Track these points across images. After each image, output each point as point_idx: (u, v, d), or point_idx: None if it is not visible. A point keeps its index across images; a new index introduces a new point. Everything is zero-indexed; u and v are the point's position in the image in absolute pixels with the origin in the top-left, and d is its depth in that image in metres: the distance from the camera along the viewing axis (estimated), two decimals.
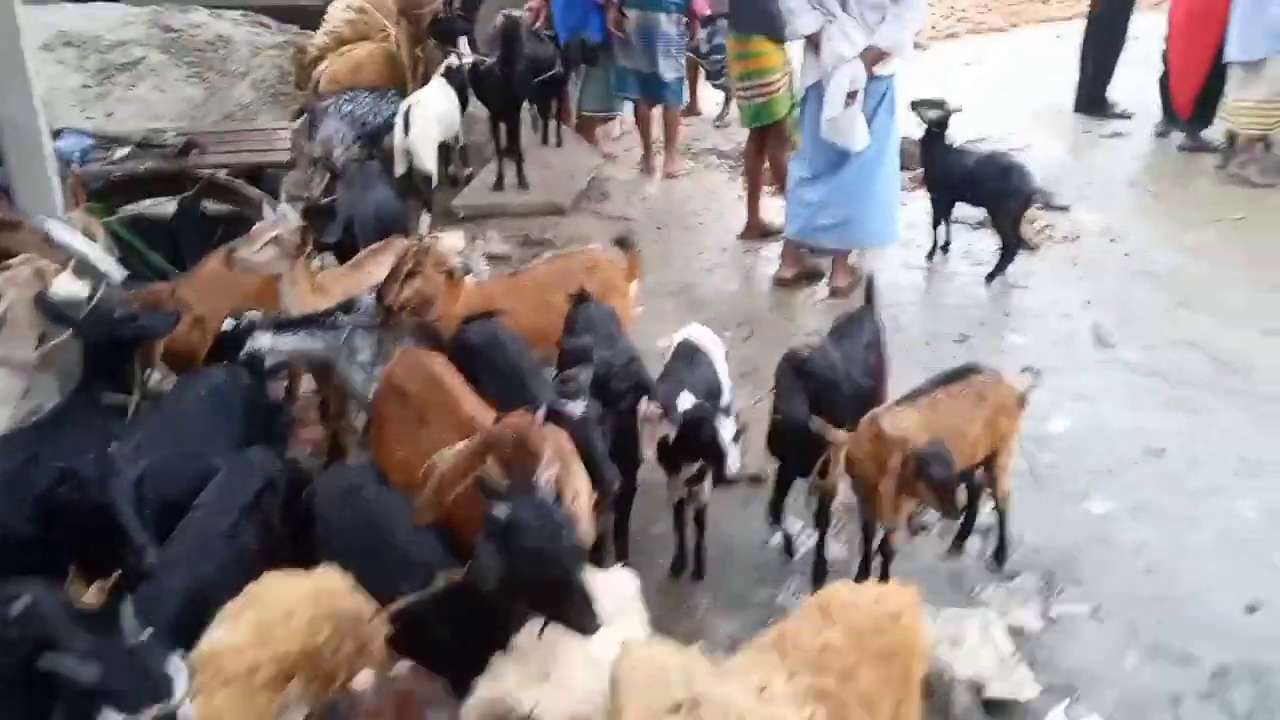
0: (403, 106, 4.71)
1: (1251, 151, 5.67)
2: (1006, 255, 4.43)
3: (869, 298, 3.02)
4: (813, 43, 4.02)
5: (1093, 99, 7.29)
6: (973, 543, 2.86)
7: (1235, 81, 5.60)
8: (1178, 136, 6.41)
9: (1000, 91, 8.25)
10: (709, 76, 7.10)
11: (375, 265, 3.15)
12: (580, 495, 1.87)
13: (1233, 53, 5.55)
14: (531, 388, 2.36)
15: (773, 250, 4.83)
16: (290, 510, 2.17)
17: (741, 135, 5.26)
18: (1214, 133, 6.03)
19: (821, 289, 4.53)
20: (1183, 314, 4.12)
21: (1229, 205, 5.34)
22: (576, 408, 2.07)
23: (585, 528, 1.81)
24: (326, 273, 3.32)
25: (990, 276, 4.47)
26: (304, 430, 3.24)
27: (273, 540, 2.11)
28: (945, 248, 4.74)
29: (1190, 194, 5.62)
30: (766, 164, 5.01)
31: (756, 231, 5.09)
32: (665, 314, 4.23)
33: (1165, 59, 6.45)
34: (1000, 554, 2.79)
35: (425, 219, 4.79)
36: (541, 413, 2.01)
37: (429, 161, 4.71)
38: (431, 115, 4.74)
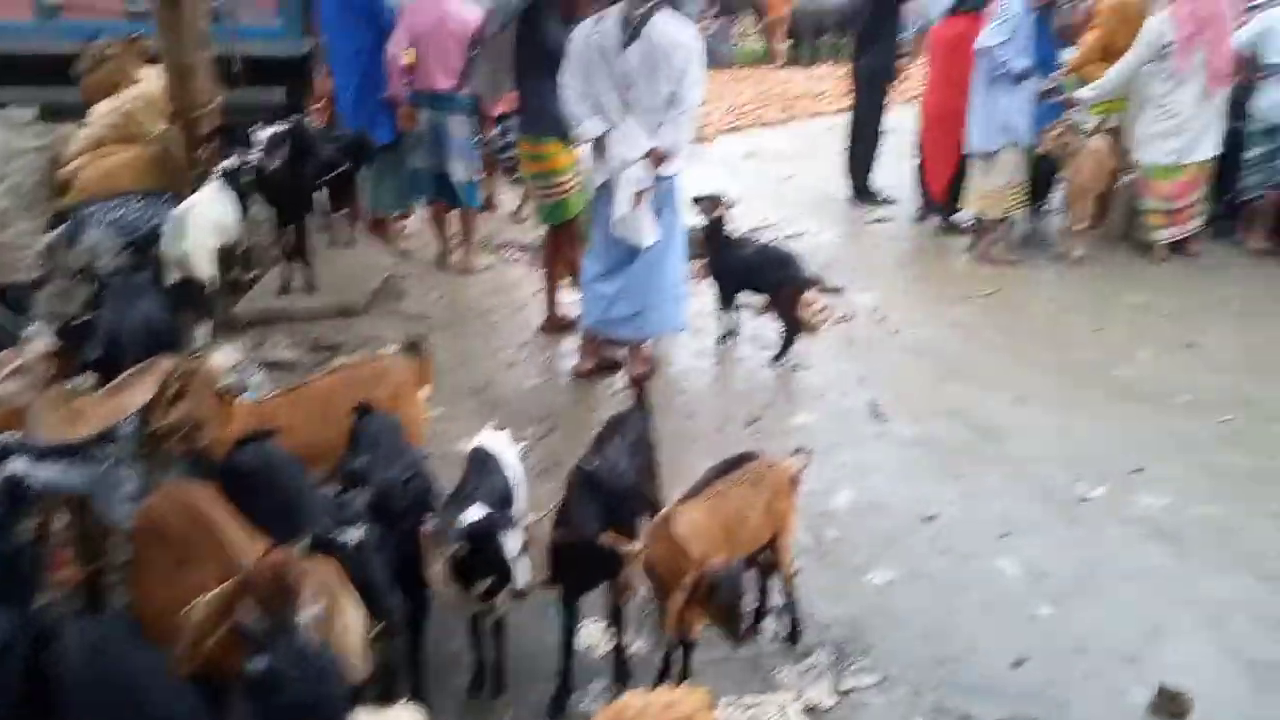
0: (174, 212, 4.50)
1: (995, 233, 6.33)
2: (788, 339, 4.70)
3: (638, 398, 3.10)
4: (598, 146, 4.17)
5: (860, 187, 7.94)
6: (769, 624, 2.95)
7: (976, 171, 6.25)
8: (935, 220, 7.07)
9: (779, 181, 8.85)
10: (505, 172, 7.22)
11: (139, 388, 2.95)
12: (351, 630, 1.79)
13: (972, 145, 6.20)
14: (307, 516, 2.26)
15: (572, 343, 4.91)
16: (31, 672, 1.96)
17: (540, 227, 5.36)
18: (965, 215, 6.67)
19: (620, 379, 4.62)
20: (946, 386, 4.48)
21: (981, 282, 5.90)
22: (352, 535, 2.00)
23: (356, 665, 1.73)
24: (84, 398, 3.07)
25: (775, 359, 4.72)
26: (59, 571, 2.95)
27: (9, 708, 1.89)
28: (733, 333, 4.97)
29: (948, 273, 6.18)
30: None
31: (555, 325, 5.16)
32: (464, 415, 4.19)
33: (919, 150, 7.15)
34: (793, 634, 2.88)
35: (203, 329, 4.55)
36: (304, 546, 1.92)
37: (205, 268, 4.49)
38: (207, 220, 4.54)
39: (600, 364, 4.68)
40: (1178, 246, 6.25)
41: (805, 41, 17.88)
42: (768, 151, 10.38)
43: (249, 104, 5.72)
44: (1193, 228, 6.27)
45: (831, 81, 12.68)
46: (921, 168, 7.11)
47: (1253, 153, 6.19)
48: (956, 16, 6.41)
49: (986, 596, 3.05)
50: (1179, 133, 5.97)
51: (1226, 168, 6.30)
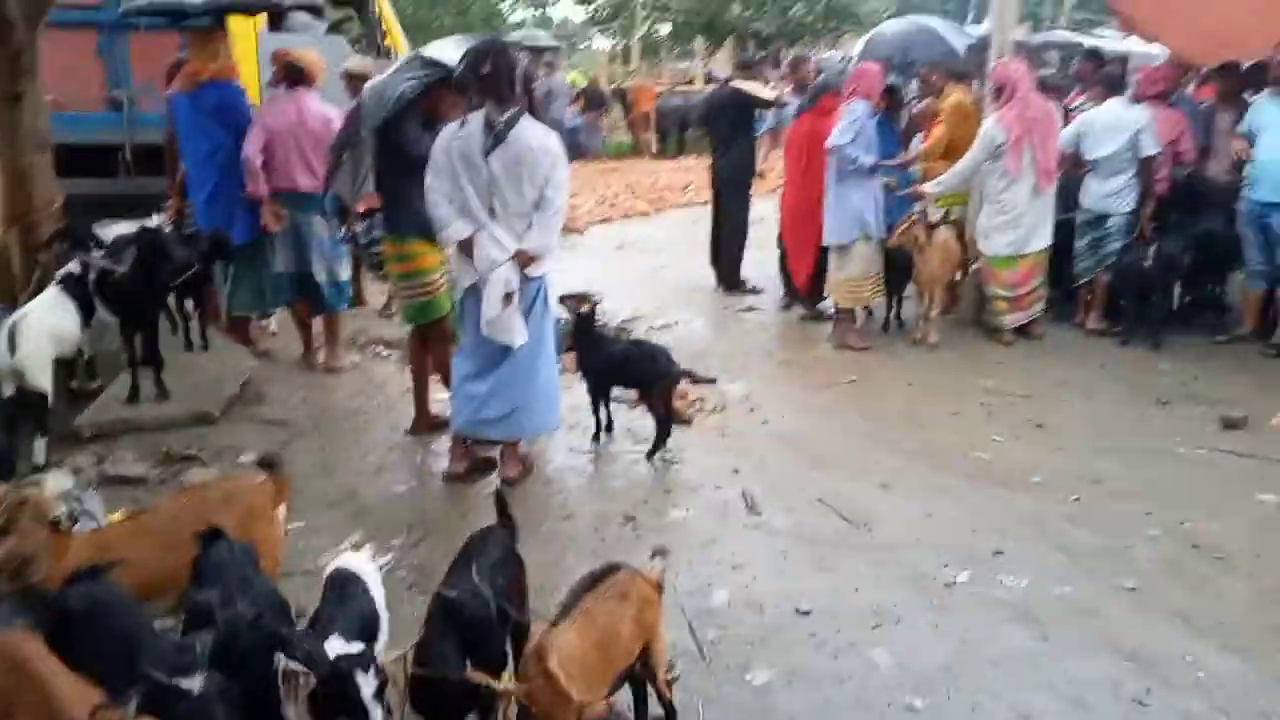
0: (7, 322, 4.22)
1: (851, 321, 6.60)
2: (662, 433, 4.72)
3: (501, 511, 3.03)
4: (465, 248, 4.15)
5: (728, 278, 8.19)
6: None
7: (834, 262, 6.54)
8: (799, 309, 7.33)
9: (651, 271, 9.03)
10: (371, 268, 7.12)
11: None
12: None
13: (828, 238, 6.49)
14: (144, 660, 2.07)
15: (443, 444, 4.79)
16: None
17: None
18: (827, 305, 6.93)
19: (494, 481, 4.52)
20: (815, 474, 4.57)
21: (844, 369, 6.12)
22: (193, 683, 1.85)
23: None
24: None
25: (650, 454, 4.72)
26: None
27: None
28: (608, 429, 4.96)
29: (813, 360, 6.38)
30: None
31: (425, 425, 5.04)
32: (328, 527, 4.01)
33: (782, 242, 7.44)
34: None
35: (40, 445, 4.24)
36: (138, 697, 1.76)
37: (42, 379, 4.21)
38: (44, 328, 4.28)
39: (473, 466, 4.58)
40: (1023, 330, 6.66)
41: (671, 134, 18.57)
42: (638, 242, 10.61)
43: (139, 192, 5.52)
44: (1035, 312, 6.70)
45: (697, 173, 13.12)
46: (785, 258, 7.39)
47: (1082, 241, 6.71)
48: (806, 115, 6.78)
49: (861, 692, 3.06)
50: (1015, 225, 6.43)
51: (1061, 255, 6.80)
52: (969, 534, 3.98)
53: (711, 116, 8.34)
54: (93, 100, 7.23)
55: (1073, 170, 6.73)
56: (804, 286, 7.16)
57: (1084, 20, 19.37)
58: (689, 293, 8.16)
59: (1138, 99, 6.69)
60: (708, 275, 8.33)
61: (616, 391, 5.00)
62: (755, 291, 7.96)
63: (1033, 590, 3.56)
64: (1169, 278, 6.59)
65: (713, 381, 5.82)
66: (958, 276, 7.01)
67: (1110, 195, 6.52)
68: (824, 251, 6.70)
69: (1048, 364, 6.21)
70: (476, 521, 4.12)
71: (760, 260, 8.11)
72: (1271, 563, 3.72)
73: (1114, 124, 6.47)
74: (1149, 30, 8.37)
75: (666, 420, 4.75)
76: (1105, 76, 7.08)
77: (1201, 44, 7.51)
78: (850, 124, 6.17)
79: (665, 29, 28.35)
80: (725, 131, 8.01)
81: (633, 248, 10.21)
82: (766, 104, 7.85)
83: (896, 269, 6.63)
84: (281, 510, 3.15)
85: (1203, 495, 4.32)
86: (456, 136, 4.02)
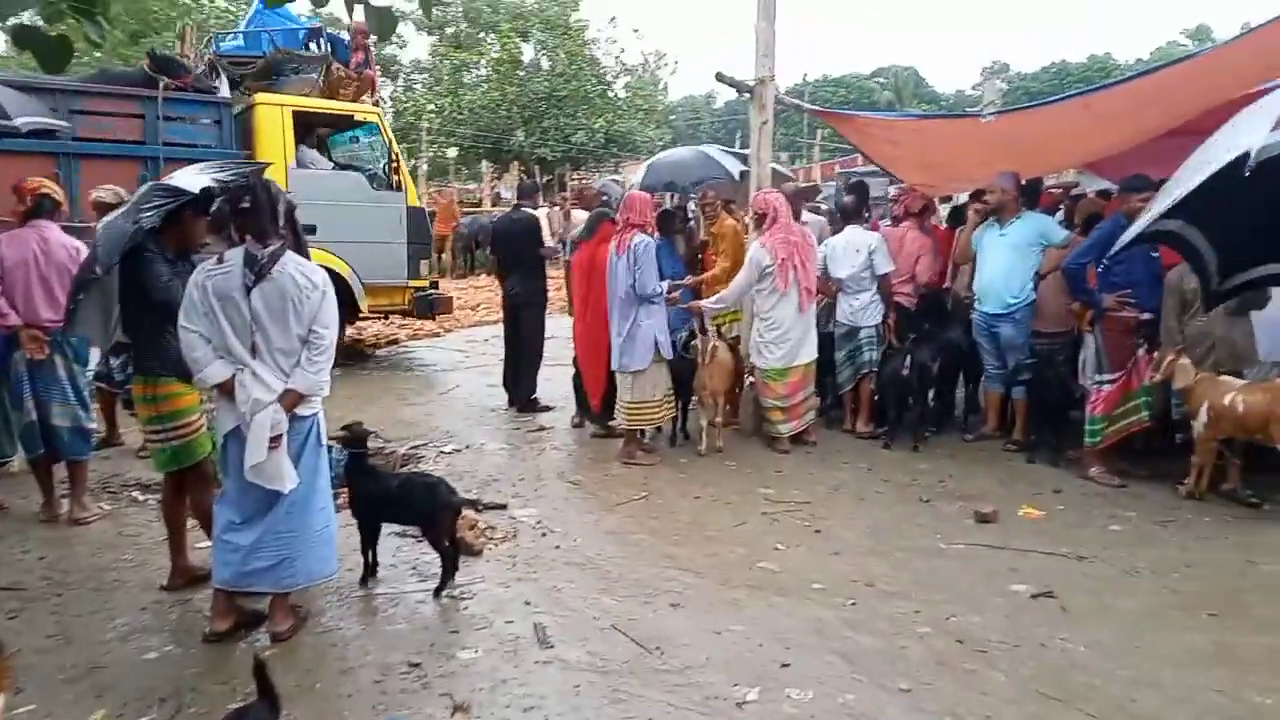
0: None
1: (640, 438, 6.73)
2: (447, 568, 4.54)
3: (261, 686, 2.80)
4: (226, 390, 3.90)
5: (521, 398, 8.18)
6: None
7: (623, 385, 6.68)
8: (591, 427, 7.39)
9: (440, 395, 8.87)
10: (125, 405, 6.57)
11: None
12: None
13: (619, 363, 6.65)
14: None
15: (205, 598, 4.38)
16: None
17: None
18: (619, 424, 7.03)
19: (263, 638, 4.16)
20: (607, 600, 4.53)
21: (633, 486, 6.18)
22: None
23: None
24: None
25: (436, 592, 4.52)
26: None
27: None
28: (374, 570, 4.72)
29: (604, 479, 6.41)
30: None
31: (184, 578, 4.61)
32: (65, 708, 3.53)
33: (576, 363, 7.54)
34: None
35: None
36: None
37: None
38: None
39: (238, 623, 4.20)
40: (798, 438, 7.02)
41: (461, 255, 18.66)
42: (429, 364, 10.43)
43: None
44: (808, 420, 7.10)
45: (489, 293, 13.19)
46: (579, 377, 7.48)
47: (841, 353, 7.25)
48: (586, 244, 7.01)
49: None
50: (784, 340, 6.85)
51: (827, 367, 7.30)
52: (757, 648, 4.04)
53: (501, 240, 8.46)
54: None
55: (828, 290, 7.32)
56: (598, 406, 7.26)
57: (836, 149, 21.40)
58: (480, 414, 8.06)
59: (895, 220, 7.46)
60: (500, 396, 8.28)
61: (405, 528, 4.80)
62: (548, 409, 7.99)
63: (818, 701, 3.63)
64: (923, 384, 7.19)
65: (503, 508, 5.72)
66: (737, 389, 7.34)
67: (858, 310, 7.14)
68: (613, 372, 6.84)
69: (822, 470, 6.56)
70: (242, 688, 3.79)
71: (553, 377, 8.17)
72: (1027, 652, 4.00)
73: (850, 246, 7.16)
74: (885, 165, 9.35)
75: (452, 554, 4.59)
76: (842, 206, 7.82)
77: (930, 176, 8.47)
78: (650, 264, 6.40)
79: (452, 152, 28.79)
80: (516, 254, 8.13)
81: (422, 369, 10.01)
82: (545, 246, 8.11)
83: (680, 383, 6.86)
84: (1, 700, 2.74)
85: (964, 589, 4.63)
86: (213, 274, 3.82)
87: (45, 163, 8.03)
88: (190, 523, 4.73)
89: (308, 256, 4.04)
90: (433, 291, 10.24)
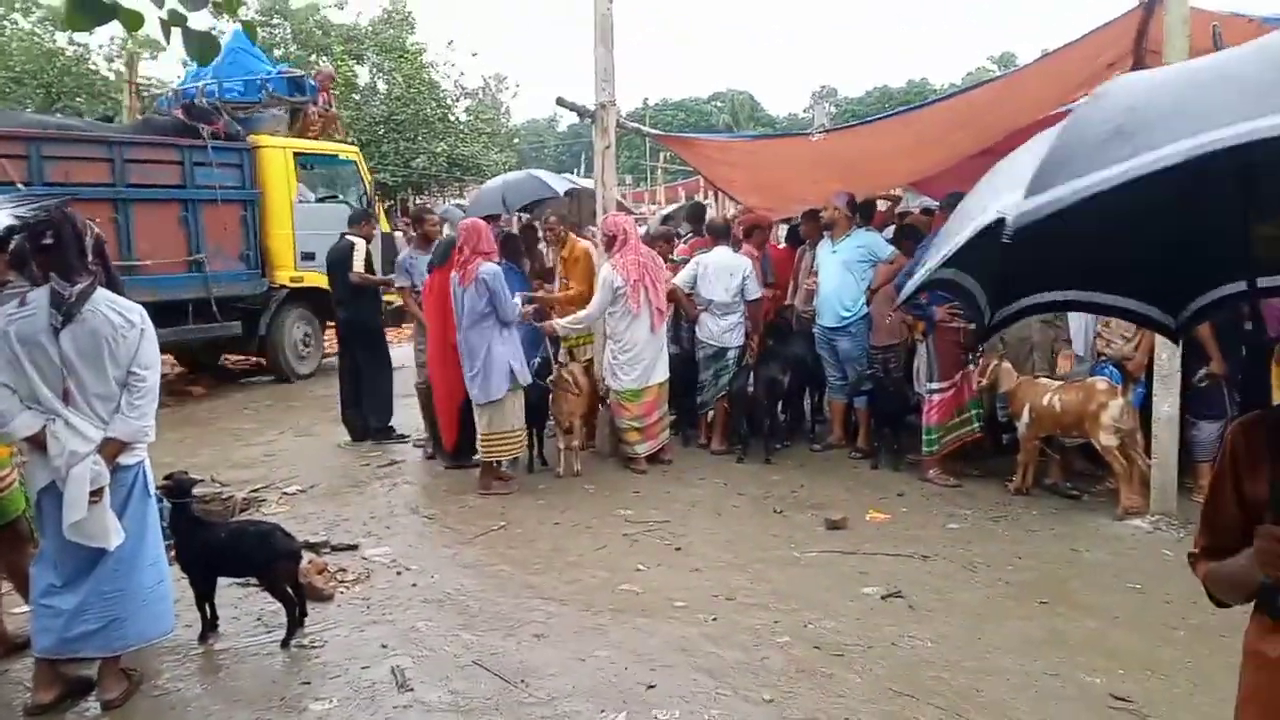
0: None
1: (496, 466, 6.63)
2: (293, 616, 4.32)
3: None
4: (37, 443, 3.58)
5: (372, 428, 7.91)
6: None
7: (482, 417, 6.55)
8: (445, 459, 7.21)
9: (280, 433, 8.47)
10: None
11: None
12: None
13: (479, 397, 6.51)
14: None
15: (25, 668, 4.00)
16: None
17: None
18: (475, 457, 6.88)
19: (93, 706, 3.83)
20: (467, 636, 4.41)
21: (491, 516, 6.08)
22: None
23: None
24: None
25: (284, 643, 4.29)
26: None
27: None
28: (214, 625, 4.44)
29: (461, 512, 6.26)
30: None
31: (3, 648, 4.20)
32: None
33: (425, 392, 7.34)
34: None
35: None
36: None
37: None
38: None
39: (65, 692, 3.85)
40: (654, 458, 7.09)
41: None
42: (262, 401, 9.96)
43: None
44: (664, 439, 7.18)
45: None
46: (430, 408, 7.29)
47: (707, 373, 7.37)
48: (437, 271, 6.86)
49: None
50: (637, 361, 6.91)
51: (686, 385, 7.40)
52: (622, 672, 4.02)
53: (329, 269, 8.15)
54: None
55: (693, 309, 7.40)
56: (450, 440, 7.07)
57: (679, 172, 21.88)
58: (322, 453, 7.74)
59: (736, 243, 7.64)
60: (342, 433, 7.99)
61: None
62: (403, 439, 7.78)
63: None
64: (773, 398, 7.41)
65: (354, 548, 5.50)
66: (593, 411, 7.34)
67: (726, 331, 7.27)
68: (468, 402, 6.70)
69: (679, 487, 6.64)
70: None
71: (400, 408, 7.95)
72: (880, 652, 4.16)
73: (724, 268, 7.27)
74: (724, 188, 9.64)
75: (297, 601, 4.38)
76: (712, 226, 7.95)
77: (766, 198, 8.77)
78: (504, 291, 6.31)
79: None
80: (340, 283, 7.87)
81: (258, 407, 9.54)
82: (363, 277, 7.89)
83: (534, 408, 6.80)
84: None
85: (819, 596, 4.77)
86: (14, 318, 3.51)
87: (102, 208, 8.96)
88: (5, 587, 4.32)
89: (122, 292, 3.76)
90: None
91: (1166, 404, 5.57)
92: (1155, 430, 5.62)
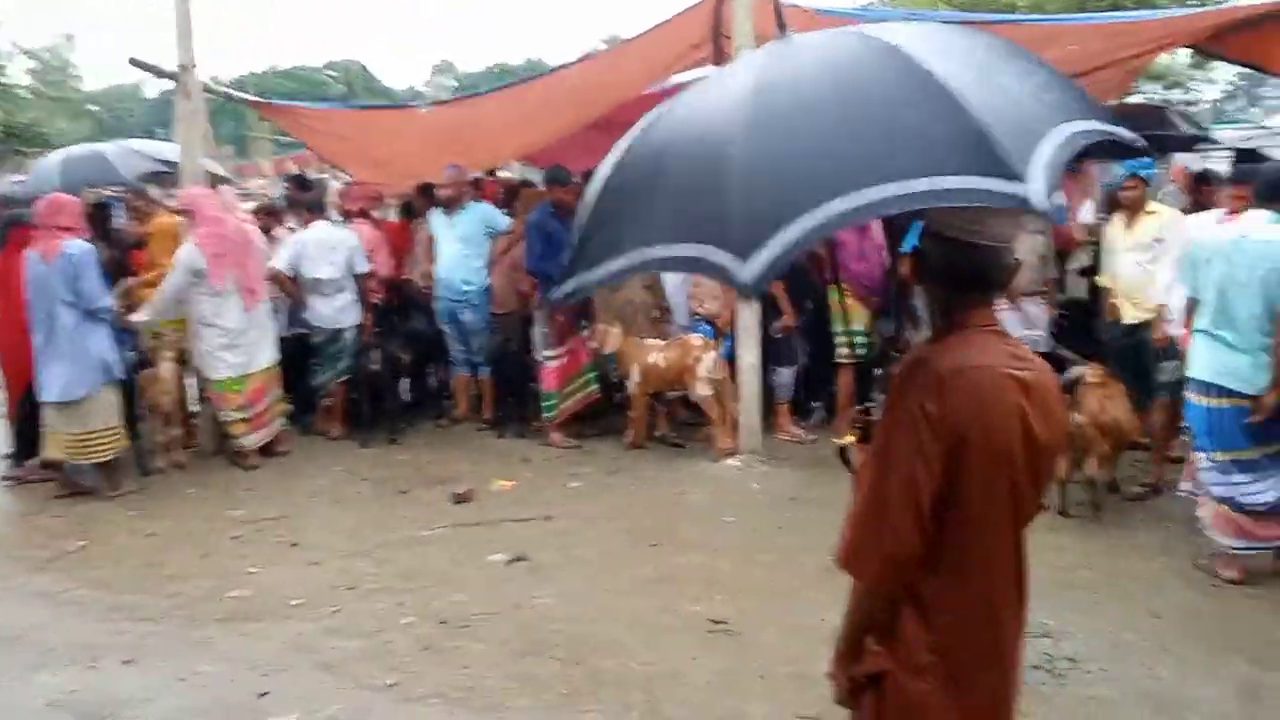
0: None
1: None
2: None
3: None
4: None
5: None
6: None
7: (62, 417, 5.65)
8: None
9: None
10: None
11: None
12: None
13: (59, 395, 5.59)
14: None
15: None
16: None
17: None
18: (35, 463, 5.95)
19: None
20: (43, 677, 3.78)
21: (69, 534, 5.32)
22: None
23: None
24: None
25: None
26: None
27: None
28: None
29: (28, 533, 5.43)
30: None
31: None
32: None
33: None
34: None
35: None
36: None
37: None
38: None
39: None
40: (267, 450, 6.58)
41: None
42: None
43: None
44: (276, 428, 6.69)
45: None
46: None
47: (320, 356, 6.93)
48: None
49: None
50: (235, 346, 6.34)
51: (301, 370, 6.94)
52: (230, 685, 3.70)
53: None
54: None
55: (295, 291, 6.90)
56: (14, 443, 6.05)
57: (290, 145, 20.48)
58: None
59: (344, 216, 7.26)
60: None
61: None
62: None
63: None
64: (396, 376, 7.20)
65: None
66: (183, 406, 6.64)
67: (339, 311, 6.88)
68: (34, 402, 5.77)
69: (297, 479, 6.24)
70: None
71: None
72: (505, 617, 4.21)
73: (327, 243, 6.85)
74: (336, 161, 9.15)
75: None
76: (310, 199, 7.46)
77: (380, 172, 8.46)
78: (93, 272, 5.54)
79: None
80: None
81: None
82: None
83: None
84: None
85: (446, 572, 4.73)
86: None
87: None
88: None
89: None
90: None
91: (749, 354, 6.22)
92: (740, 378, 6.25)
